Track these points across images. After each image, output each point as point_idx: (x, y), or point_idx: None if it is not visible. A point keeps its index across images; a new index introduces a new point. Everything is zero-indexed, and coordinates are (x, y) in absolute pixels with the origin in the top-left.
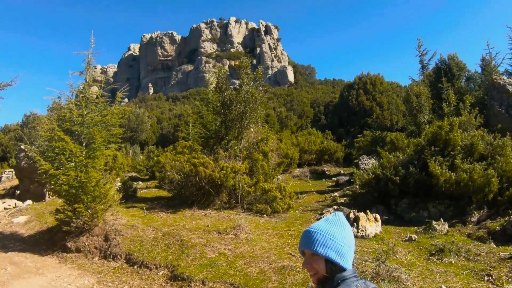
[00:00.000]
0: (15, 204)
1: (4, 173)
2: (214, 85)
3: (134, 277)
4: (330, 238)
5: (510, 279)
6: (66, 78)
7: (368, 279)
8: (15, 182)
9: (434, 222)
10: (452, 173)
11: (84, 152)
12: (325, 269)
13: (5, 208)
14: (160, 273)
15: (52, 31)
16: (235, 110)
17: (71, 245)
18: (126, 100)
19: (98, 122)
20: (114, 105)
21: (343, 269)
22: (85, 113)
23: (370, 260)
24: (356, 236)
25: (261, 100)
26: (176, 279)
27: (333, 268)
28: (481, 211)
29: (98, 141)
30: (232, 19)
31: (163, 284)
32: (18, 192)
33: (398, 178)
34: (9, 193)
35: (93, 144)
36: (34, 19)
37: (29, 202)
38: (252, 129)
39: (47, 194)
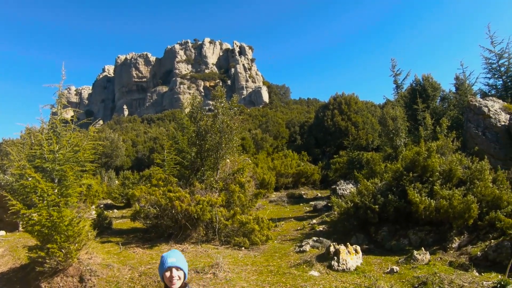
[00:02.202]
0: None
1: None
2: (188, 111)
3: None
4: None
5: None
6: (37, 88)
7: None
8: None
9: (415, 252)
10: (432, 200)
11: (56, 190)
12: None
13: None
14: None
15: (20, 38)
16: (210, 141)
17: (45, 286)
18: (100, 122)
19: (70, 158)
20: (86, 140)
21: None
22: (57, 149)
23: None
24: (337, 270)
25: (236, 130)
26: None
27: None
28: (462, 236)
29: (71, 178)
30: (207, 40)
31: None
32: None
33: (377, 206)
34: None
35: (65, 181)
36: None
37: (2, 232)
38: (228, 160)
39: (20, 224)
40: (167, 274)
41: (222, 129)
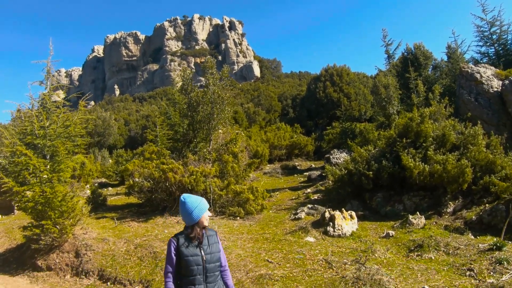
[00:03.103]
0: None
1: None
2: (179, 86)
3: None
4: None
5: (491, 272)
6: (26, 74)
7: (349, 284)
8: None
9: (410, 216)
10: (426, 165)
11: (48, 166)
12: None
13: None
14: None
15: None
16: (202, 112)
17: (41, 263)
18: (92, 103)
19: (61, 134)
20: (77, 115)
21: None
22: (47, 124)
23: (349, 263)
24: (332, 236)
25: (228, 101)
26: None
27: None
28: (456, 201)
29: (62, 154)
30: (196, 16)
31: None
32: None
33: (371, 172)
34: None
35: (57, 157)
36: None
37: None
38: (220, 130)
39: (15, 206)
40: (206, 214)
41: (213, 99)
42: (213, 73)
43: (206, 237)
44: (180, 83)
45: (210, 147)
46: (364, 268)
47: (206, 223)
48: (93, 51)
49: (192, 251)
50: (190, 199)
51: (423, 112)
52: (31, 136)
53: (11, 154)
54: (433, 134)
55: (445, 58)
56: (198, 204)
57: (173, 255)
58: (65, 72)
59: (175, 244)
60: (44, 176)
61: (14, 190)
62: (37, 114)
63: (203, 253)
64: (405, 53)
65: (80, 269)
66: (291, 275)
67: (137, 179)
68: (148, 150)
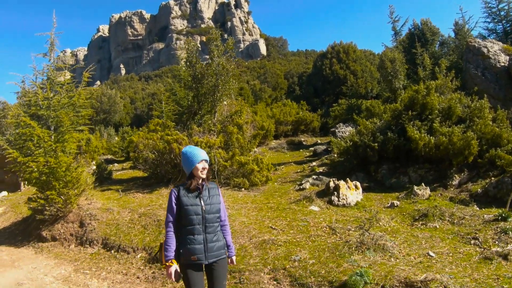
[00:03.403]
0: None
1: None
2: (184, 60)
3: (111, 262)
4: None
5: (496, 242)
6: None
7: (353, 249)
8: None
9: (415, 187)
10: (431, 137)
11: (52, 137)
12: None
13: None
14: (138, 256)
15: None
16: (207, 84)
17: (46, 234)
18: (98, 82)
19: (65, 105)
20: (80, 86)
21: None
22: (51, 96)
23: (353, 229)
24: (337, 205)
25: (232, 72)
26: (154, 261)
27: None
28: (462, 174)
29: (66, 124)
30: None
31: (141, 267)
32: None
33: (376, 144)
34: None
35: (62, 128)
36: None
37: (4, 193)
38: (225, 102)
39: (22, 184)
40: (200, 165)
41: (218, 71)
42: (218, 45)
43: (207, 189)
44: (185, 58)
45: (215, 119)
46: (368, 234)
47: (202, 174)
48: (98, 31)
49: (192, 201)
50: (189, 149)
51: (429, 84)
52: (35, 107)
53: (15, 125)
54: (439, 106)
55: (452, 35)
56: (194, 153)
57: (173, 204)
58: (70, 52)
59: (176, 193)
60: (48, 146)
61: (18, 160)
62: (41, 85)
63: (202, 203)
64: (412, 29)
65: (85, 238)
66: (295, 240)
67: (142, 151)
68: (153, 122)
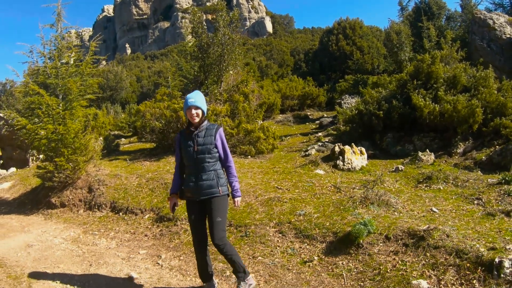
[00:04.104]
0: None
1: None
2: (190, 30)
3: (120, 223)
4: (202, 101)
5: (500, 202)
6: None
7: (357, 203)
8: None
9: (420, 153)
10: (436, 105)
11: (61, 105)
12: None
13: None
14: (146, 217)
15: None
16: (212, 54)
17: (55, 201)
18: (104, 62)
19: (73, 73)
20: (88, 55)
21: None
22: (59, 64)
23: (358, 188)
24: (342, 169)
25: (238, 42)
26: (162, 221)
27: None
28: (467, 142)
29: (74, 92)
30: None
31: (149, 226)
32: (1, 161)
33: (381, 112)
34: None
35: (70, 96)
36: None
37: (13, 169)
38: (231, 72)
39: (30, 160)
40: (188, 112)
41: (223, 41)
42: (223, 16)
43: (204, 131)
44: (190, 28)
45: (221, 88)
46: (372, 190)
47: (193, 119)
48: (103, 11)
49: (187, 143)
50: (188, 95)
51: (434, 53)
52: (43, 76)
53: (24, 94)
54: (444, 75)
55: (459, 9)
56: (185, 100)
57: (177, 147)
58: (75, 33)
59: (178, 137)
60: (56, 113)
61: (27, 128)
62: (49, 54)
63: (195, 144)
64: (418, 3)
65: (93, 203)
66: (300, 198)
67: (149, 120)
68: (159, 92)
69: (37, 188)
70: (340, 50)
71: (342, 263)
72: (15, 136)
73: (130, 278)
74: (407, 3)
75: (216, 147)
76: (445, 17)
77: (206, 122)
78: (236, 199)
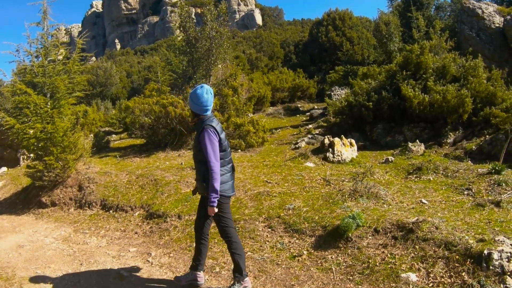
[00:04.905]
0: None
1: None
2: (178, 24)
3: (110, 221)
4: (190, 99)
5: (489, 192)
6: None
7: (346, 196)
8: None
9: (410, 144)
10: (426, 95)
11: (49, 103)
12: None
13: None
14: (136, 214)
15: None
16: (201, 48)
17: (46, 200)
18: (93, 58)
19: (60, 71)
20: (74, 52)
21: (201, 115)
22: (46, 63)
23: (347, 180)
24: (332, 161)
25: (226, 35)
26: (152, 217)
27: (195, 115)
28: (457, 132)
29: (62, 90)
30: None
31: (139, 223)
32: None
33: (371, 103)
34: None
35: (57, 94)
36: None
37: (4, 169)
38: (220, 66)
39: (21, 159)
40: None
41: (211, 35)
42: (211, 9)
43: (197, 134)
44: (178, 23)
45: (210, 82)
46: (361, 183)
47: (191, 123)
48: (91, 6)
49: None
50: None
51: (423, 44)
52: (30, 75)
53: (11, 93)
54: (433, 66)
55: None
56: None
57: None
58: (64, 30)
59: None
60: (44, 112)
61: (15, 127)
62: (36, 53)
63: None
64: None
65: (84, 201)
66: (289, 191)
67: (138, 116)
68: (148, 88)
69: (28, 187)
70: (330, 41)
71: (331, 257)
72: (4, 136)
73: (121, 277)
74: None
75: (202, 149)
76: (434, 7)
77: (201, 121)
78: (208, 206)
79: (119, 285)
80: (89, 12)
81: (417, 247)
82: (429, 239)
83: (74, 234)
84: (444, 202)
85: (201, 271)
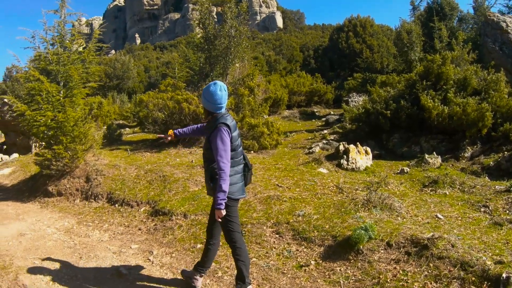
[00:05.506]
0: (1, 158)
1: None
2: (197, 21)
3: (115, 215)
4: (203, 96)
5: (507, 211)
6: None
7: (359, 206)
8: (3, 139)
9: (426, 155)
10: (445, 107)
11: (61, 92)
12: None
13: None
14: (141, 210)
15: None
16: (219, 46)
17: (52, 189)
18: (113, 51)
19: (75, 60)
20: (90, 42)
21: (214, 113)
22: (61, 51)
23: (361, 189)
24: (346, 169)
25: (245, 35)
26: (157, 214)
27: (208, 113)
28: (475, 146)
29: (76, 79)
30: None
31: (144, 220)
32: (5, 146)
33: (389, 112)
34: None
35: (71, 83)
36: None
37: (15, 155)
38: (237, 65)
39: (33, 146)
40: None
41: (230, 33)
42: (231, 7)
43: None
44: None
45: (227, 81)
46: (375, 193)
47: (203, 121)
48: (114, 0)
49: None
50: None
51: (445, 54)
52: (44, 62)
53: (25, 80)
54: (454, 77)
55: (471, 11)
56: None
57: None
58: (85, 22)
59: None
60: (56, 101)
61: (26, 114)
62: (52, 40)
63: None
64: (430, 3)
65: (90, 193)
66: (300, 197)
67: (152, 111)
68: (164, 83)
69: (36, 175)
70: (350, 48)
71: (340, 270)
72: (17, 122)
73: (119, 274)
74: (419, 2)
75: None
76: (457, 18)
77: (214, 119)
78: (215, 208)
79: (117, 283)
80: (111, 6)
81: (431, 265)
82: (445, 257)
83: (77, 226)
84: (460, 218)
85: (203, 275)
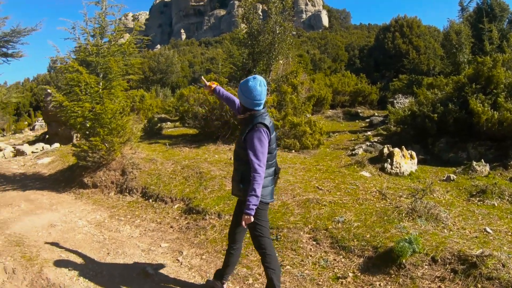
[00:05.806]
0: (43, 147)
1: (37, 121)
2: (241, 16)
3: (148, 210)
4: (240, 92)
5: None
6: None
7: (403, 215)
8: (47, 129)
9: (474, 163)
10: (495, 112)
11: (100, 84)
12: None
13: (32, 152)
14: (175, 206)
15: None
16: (263, 41)
17: (87, 181)
18: (158, 46)
19: (115, 52)
20: (131, 34)
21: (252, 110)
22: (101, 42)
23: (405, 196)
24: (389, 173)
25: (290, 31)
26: (190, 212)
27: (246, 110)
28: None
29: (115, 71)
30: None
31: (177, 217)
32: (47, 136)
33: (436, 115)
34: (40, 139)
35: (110, 75)
36: None
37: (56, 145)
38: (281, 61)
39: (74, 137)
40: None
41: (275, 29)
42: (275, 2)
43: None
44: (241, 14)
45: (270, 78)
46: (420, 202)
47: (237, 118)
48: None
49: None
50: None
51: (496, 57)
52: (84, 53)
53: (64, 71)
54: (505, 81)
55: None
56: None
57: None
58: (132, 16)
59: None
60: (95, 92)
61: (64, 105)
62: (93, 32)
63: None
64: (480, 4)
65: (125, 186)
66: (340, 201)
67: (193, 105)
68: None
69: (73, 166)
70: (396, 48)
71: (380, 284)
72: (57, 111)
73: (146, 274)
74: (468, 3)
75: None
76: (507, 20)
77: (252, 117)
78: (244, 213)
79: (142, 282)
80: (157, 1)
81: (479, 285)
82: (494, 278)
83: (109, 219)
84: (510, 233)
85: (225, 282)
